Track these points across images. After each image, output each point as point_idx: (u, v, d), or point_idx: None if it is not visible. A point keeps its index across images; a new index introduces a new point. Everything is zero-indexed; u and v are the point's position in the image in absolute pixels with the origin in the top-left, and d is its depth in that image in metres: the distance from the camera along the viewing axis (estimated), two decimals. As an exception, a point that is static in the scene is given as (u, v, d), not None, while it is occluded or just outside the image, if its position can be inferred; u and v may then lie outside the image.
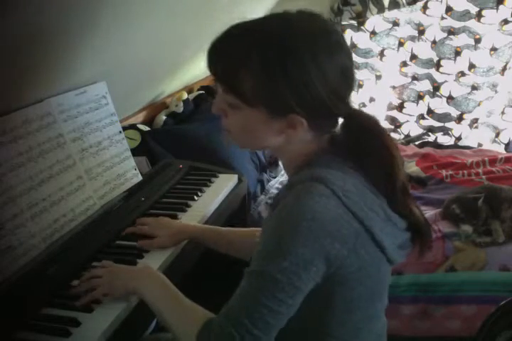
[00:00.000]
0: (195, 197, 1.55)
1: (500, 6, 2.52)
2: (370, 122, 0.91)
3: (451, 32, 2.66)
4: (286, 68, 0.81)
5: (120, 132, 1.53)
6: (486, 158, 2.40)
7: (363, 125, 0.90)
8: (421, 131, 2.92)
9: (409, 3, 2.67)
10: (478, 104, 2.72)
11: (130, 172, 1.53)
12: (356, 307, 0.89)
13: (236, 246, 1.21)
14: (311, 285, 0.82)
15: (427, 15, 2.69)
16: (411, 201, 0.92)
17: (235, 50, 0.83)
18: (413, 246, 0.94)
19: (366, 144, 0.89)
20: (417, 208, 0.93)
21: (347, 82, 0.87)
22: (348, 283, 0.85)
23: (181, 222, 1.35)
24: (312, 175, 0.85)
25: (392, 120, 2.96)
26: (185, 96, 2.17)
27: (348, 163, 0.88)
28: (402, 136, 2.97)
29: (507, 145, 2.71)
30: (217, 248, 1.25)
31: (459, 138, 2.83)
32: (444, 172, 2.33)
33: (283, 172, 2.28)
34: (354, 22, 2.80)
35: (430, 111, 2.86)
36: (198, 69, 2.25)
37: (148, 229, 1.29)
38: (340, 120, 0.92)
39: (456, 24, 2.64)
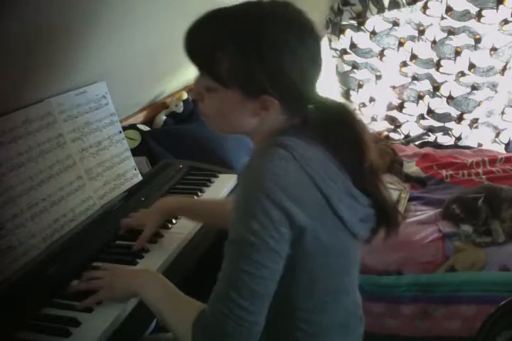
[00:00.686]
0: (195, 197, 1.55)
1: (500, 6, 2.52)
2: (339, 108, 0.94)
3: (451, 32, 2.66)
4: (262, 52, 0.84)
5: (120, 132, 1.53)
6: (486, 158, 2.40)
7: (333, 110, 0.94)
8: (421, 131, 2.92)
9: (409, 3, 2.67)
10: (478, 104, 2.72)
11: (130, 172, 1.53)
12: (318, 279, 0.91)
13: (213, 214, 1.28)
14: (286, 248, 0.84)
15: (427, 15, 2.69)
16: (379, 182, 0.95)
17: (212, 33, 0.87)
18: (378, 225, 0.96)
19: (336, 127, 0.92)
20: (385, 190, 0.95)
21: (316, 66, 0.91)
22: (309, 254, 0.87)
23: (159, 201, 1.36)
24: (275, 141, 0.87)
25: (392, 120, 2.97)
26: (185, 96, 2.17)
27: (317, 139, 0.91)
28: (402, 136, 2.97)
29: (507, 145, 2.71)
30: (195, 218, 1.33)
31: (459, 138, 2.83)
32: (444, 172, 2.33)
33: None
34: (354, 22, 2.80)
35: (430, 111, 2.86)
36: (198, 69, 2.24)
37: (135, 222, 1.31)
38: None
39: (456, 24, 2.64)
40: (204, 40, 0.88)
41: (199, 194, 1.57)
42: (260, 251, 0.80)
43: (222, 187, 1.63)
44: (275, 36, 0.85)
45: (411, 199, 2.11)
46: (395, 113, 2.95)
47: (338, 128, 0.92)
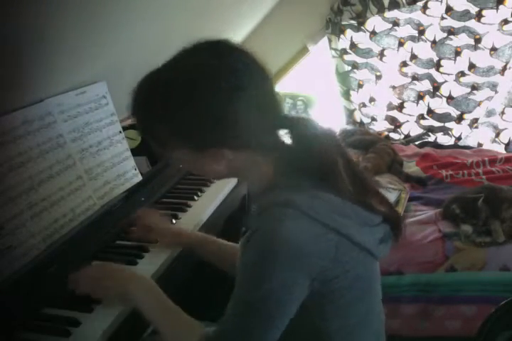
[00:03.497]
0: (195, 197, 1.55)
1: (500, 6, 2.52)
2: (310, 127, 0.91)
3: (451, 32, 2.66)
4: (187, 110, 0.84)
5: (120, 132, 1.53)
6: (486, 158, 2.40)
7: (305, 133, 0.91)
8: (421, 131, 2.91)
9: (409, 3, 2.67)
10: (478, 104, 2.72)
11: (130, 172, 1.53)
12: (350, 312, 0.91)
13: (228, 260, 1.15)
14: (298, 304, 0.84)
15: (427, 15, 2.69)
16: (373, 197, 0.93)
17: (144, 114, 0.90)
18: (392, 236, 0.95)
19: (308, 156, 0.89)
20: (380, 202, 0.93)
21: (260, 103, 0.88)
22: (336, 292, 0.87)
23: (179, 227, 1.34)
24: (277, 199, 0.85)
25: (392, 120, 2.96)
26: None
27: (307, 178, 0.88)
28: (402, 136, 2.97)
29: (507, 145, 2.71)
30: (210, 260, 1.21)
31: (459, 138, 2.83)
32: (444, 172, 2.33)
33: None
34: (354, 22, 2.80)
35: (430, 111, 2.86)
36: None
37: (150, 220, 1.29)
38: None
39: (456, 24, 2.64)
40: (140, 121, 0.91)
41: (199, 194, 1.57)
42: (271, 314, 0.81)
43: (222, 187, 1.63)
44: (201, 93, 0.83)
45: (411, 199, 2.10)
46: (395, 113, 2.95)
47: (311, 156, 0.89)
